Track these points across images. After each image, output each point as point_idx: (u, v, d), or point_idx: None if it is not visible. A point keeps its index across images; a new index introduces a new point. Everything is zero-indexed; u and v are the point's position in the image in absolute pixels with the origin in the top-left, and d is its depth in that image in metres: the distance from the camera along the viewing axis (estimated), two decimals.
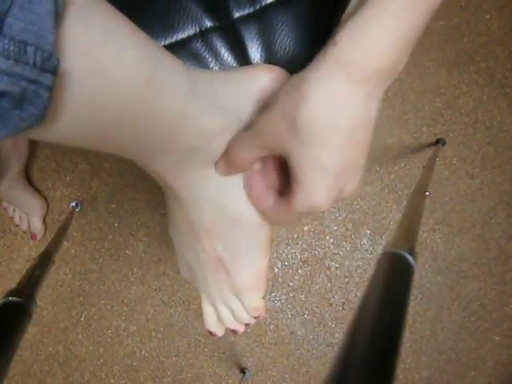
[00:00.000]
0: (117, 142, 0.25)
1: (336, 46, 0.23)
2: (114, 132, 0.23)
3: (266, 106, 0.27)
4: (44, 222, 0.98)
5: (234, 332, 0.39)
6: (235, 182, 0.31)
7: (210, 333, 0.40)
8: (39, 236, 0.97)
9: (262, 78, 0.31)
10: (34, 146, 0.96)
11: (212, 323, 0.39)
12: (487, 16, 0.94)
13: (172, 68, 0.25)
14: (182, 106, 0.25)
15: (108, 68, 0.20)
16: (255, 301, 0.36)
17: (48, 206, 0.98)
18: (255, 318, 0.38)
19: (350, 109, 0.25)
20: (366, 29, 0.23)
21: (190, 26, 0.37)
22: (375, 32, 0.23)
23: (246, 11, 0.37)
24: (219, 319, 0.39)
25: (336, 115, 0.24)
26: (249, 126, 0.28)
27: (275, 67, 0.32)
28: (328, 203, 0.27)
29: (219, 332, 0.40)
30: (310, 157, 0.25)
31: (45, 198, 0.98)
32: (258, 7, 0.37)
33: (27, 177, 0.96)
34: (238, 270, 0.34)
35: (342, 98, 0.24)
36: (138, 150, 0.27)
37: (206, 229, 0.32)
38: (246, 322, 0.38)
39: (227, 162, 0.29)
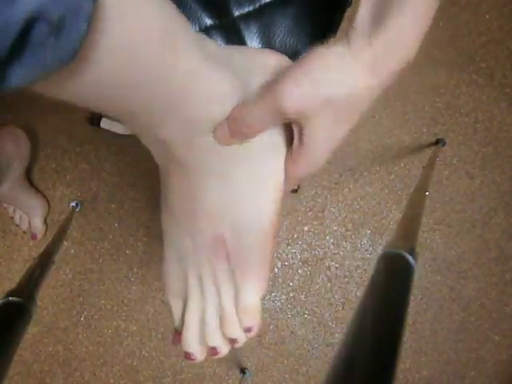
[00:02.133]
0: (131, 100, 0.24)
1: (371, 47, 0.24)
2: (131, 88, 0.23)
3: (292, 74, 0.26)
4: (45, 222, 0.98)
5: (213, 351, 0.33)
6: (245, 151, 0.30)
7: (188, 355, 0.33)
8: (40, 236, 0.97)
9: (269, 56, 0.31)
10: (34, 146, 0.96)
11: (193, 341, 0.33)
12: (487, 16, 0.94)
13: (185, 27, 0.25)
14: (194, 66, 0.25)
15: (131, 11, 0.20)
16: (253, 296, 0.31)
17: (49, 206, 0.98)
18: (246, 330, 0.32)
19: (369, 97, 0.27)
20: (402, 35, 0.25)
21: (190, 24, 0.37)
22: (409, 39, 0.25)
23: (246, 9, 0.37)
24: (203, 332, 0.33)
25: (363, 99, 0.27)
26: (264, 94, 0.27)
27: (280, 54, 0.32)
28: (324, 163, 0.30)
29: (199, 355, 0.33)
30: (329, 129, 0.27)
31: (46, 198, 0.98)
32: (257, 5, 0.37)
33: (28, 177, 0.96)
34: (240, 252, 0.31)
35: (368, 86, 0.26)
36: (150, 111, 0.26)
37: (208, 203, 0.30)
38: (234, 335, 0.33)
39: (234, 129, 0.28)
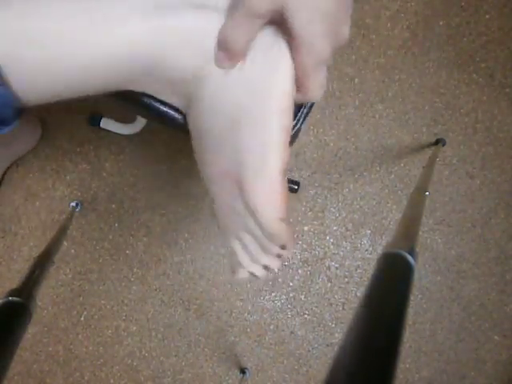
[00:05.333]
0: (94, 80, 0.27)
1: None
2: (83, 72, 0.26)
3: None
4: None
5: (267, 269, 0.36)
6: (231, 77, 0.29)
7: (251, 274, 0.37)
8: None
9: None
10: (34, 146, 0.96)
11: (247, 262, 0.36)
12: (487, 16, 0.94)
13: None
14: (145, 26, 0.25)
15: (42, 30, 0.23)
16: (272, 222, 0.31)
17: None
18: (282, 248, 0.33)
19: None
20: None
21: None
22: None
23: None
24: (250, 256, 0.36)
25: None
26: (235, 7, 0.26)
27: None
28: (328, 48, 0.27)
29: (258, 271, 0.36)
30: (309, 3, 0.25)
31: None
32: None
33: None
34: (246, 178, 0.30)
35: None
36: (128, 81, 0.28)
37: (210, 139, 0.31)
38: (275, 252, 0.34)
39: (228, 53, 0.27)
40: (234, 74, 0.28)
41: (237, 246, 0.36)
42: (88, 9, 0.24)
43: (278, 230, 0.31)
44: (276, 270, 0.36)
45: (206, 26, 0.27)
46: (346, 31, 0.28)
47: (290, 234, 0.32)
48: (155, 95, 0.31)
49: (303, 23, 0.26)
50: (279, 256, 0.35)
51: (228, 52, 0.27)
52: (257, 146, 0.29)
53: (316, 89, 0.29)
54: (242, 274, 0.38)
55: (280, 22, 0.27)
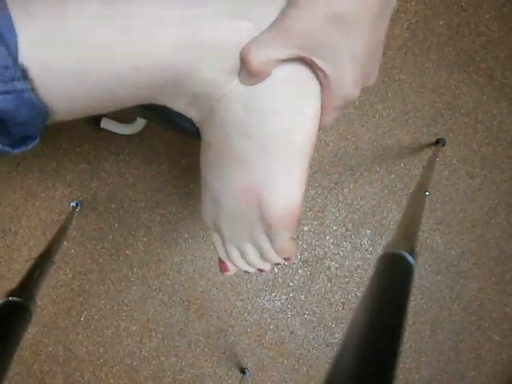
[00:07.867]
0: (131, 93, 0.26)
1: None
2: (115, 84, 0.25)
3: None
4: None
5: (260, 271, 0.37)
6: (260, 102, 0.28)
7: (245, 272, 0.39)
8: None
9: None
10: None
11: (241, 263, 0.37)
12: (487, 16, 0.94)
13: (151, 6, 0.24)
14: (177, 38, 0.25)
15: (74, 38, 0.22)
16: (284, 240, 0.32)
17: None
18: (285, 259, 0.35)
19: None
20: None
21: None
22: None
23: None
24: (246, 261, 0.37)
25: (371, 4, 0.25)
26: (268, 26, 0.26)
27: None
28: (358, 91, 0.28)
29: (251, 269, 0.38)
30: (344, 46, 0.25)
31: None
32: None
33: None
34: (269, 199, 0.30)
35: None
36: (155, 94, 0.27)
37: (234, 154, 0.30)
38: (276, 261, 0.36)
39: (247, 71, 0.26)
40: (261, 96, 0.28)
41: (235, 253, 0.37)
42: (123, 18, 0.24)
43: (288, 248, 0.33)
44: (265, 273, 0.39)
45: (239, 40, 0.26)
46: (373, 78, 0.29)
47: (296, 249, 0.34)
48: (171, 107, 0.30)
49: (337, 69, 0.26)
50: (278, 264, 0.37)
51: (244, 67, 0.26)
52: (283, 176, 0.30)
53: (330, 122, 0.30)
54: (232, 272, 0.39)
55: (312, 64, 0.27)
